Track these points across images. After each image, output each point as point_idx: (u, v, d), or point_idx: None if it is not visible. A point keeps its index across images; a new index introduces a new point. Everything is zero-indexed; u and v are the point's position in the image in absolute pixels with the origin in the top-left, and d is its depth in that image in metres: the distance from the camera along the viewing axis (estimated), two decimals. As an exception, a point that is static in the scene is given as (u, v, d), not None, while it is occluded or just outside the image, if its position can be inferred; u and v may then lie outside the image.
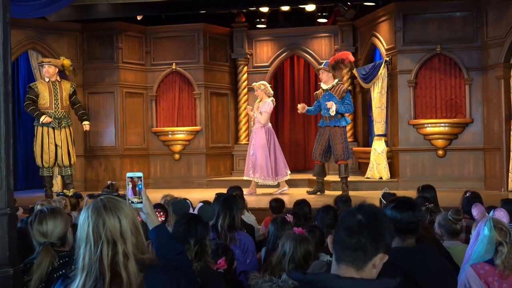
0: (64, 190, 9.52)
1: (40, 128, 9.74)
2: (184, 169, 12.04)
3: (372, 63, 10.98)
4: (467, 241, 4.36)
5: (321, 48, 12.30)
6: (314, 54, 12.28)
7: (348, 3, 11.24)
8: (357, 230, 2.02)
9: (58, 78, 9.97)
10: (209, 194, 8.51)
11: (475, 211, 4.48)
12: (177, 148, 11.98)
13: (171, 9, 10.01)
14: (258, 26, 12.45)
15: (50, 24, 10.79)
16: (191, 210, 3.97)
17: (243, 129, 12.50)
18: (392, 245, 3.02)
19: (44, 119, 9.62)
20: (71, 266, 3.03)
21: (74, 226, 2.94)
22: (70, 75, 10.33)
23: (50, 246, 3.21)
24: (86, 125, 10.19)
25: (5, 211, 3.47)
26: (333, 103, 9.30)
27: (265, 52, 12.61)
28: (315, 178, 9.99)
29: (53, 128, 9.73)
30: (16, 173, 11.40)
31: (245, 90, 12.49)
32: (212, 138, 12.16)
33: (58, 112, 9.79)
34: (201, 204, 3.94)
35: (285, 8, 11.83)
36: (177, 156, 11.99)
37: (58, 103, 9.81)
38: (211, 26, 12.19)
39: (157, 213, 4.51)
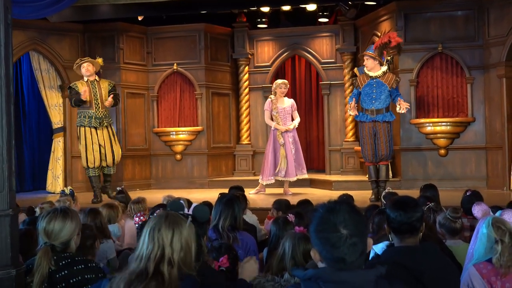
0: (65, 188, 9.47)
1: (82, 129, 9.64)
2: (186, 170, 12.05)
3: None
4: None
5: (322, 48, 12.30)
6: (315, 54, 12.27)
7: (349, 2, 11.23)
8: (354, 248, 2.06)
9: (96, 77, 9.85)
10: (211, 195, 8.54)
11: (476, 209, 4.49)
12: (179, 148, 11.98)
13: (172, 10, 10.01)
14: (259, 26, 12.46)
15: (51, 25, 10.79)
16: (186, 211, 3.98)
17: (244, 129, 12.50)
18: (394, 244, 3.06)
19: (82, 93, 9.39)
20: (73, 268, 3.07)
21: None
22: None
23: (50, 248, 3.21)
24: (109, 100, 9.66)
25: (8, 212, 3.47)
26: (402, 101, 8.46)
27: (266, 52, 12.61)
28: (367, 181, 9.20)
29: (95, 128, 9.62)
30: (23, 174, 11.44)
31: (247, 90, 12.49)
32: (214, 138, 12.16)
33: (99, 111, 9.62)
34: (195, 204, 3.94)
35: (286, 8, 11.82)
36: (178, 156, 12.00)
37: (99, 103, 9.65)
38: (212, 26, 12.19)
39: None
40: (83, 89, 9.48)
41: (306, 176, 10.27)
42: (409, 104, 8.69)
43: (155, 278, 2.45)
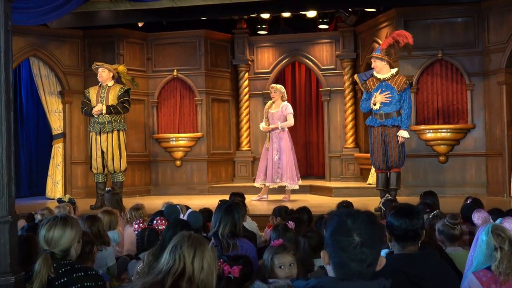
0: (63, 196, 9.39)
1: (90, 134, 9.65)
2: (186, 176, 12.03)
3: (373, 69, 10.95)
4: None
5: (322, 54, 12.31)
6: (315, 60, 12.28)
7: (349, 9, 11.25)
8: (362, 257, 2.05)
9: (110, 83, 9.68)
10: (211, 201, 8.53)
11: (476, 216, 4.48)
12: (179, 154, 11.97)
13: (172, 16, 10.02)
14: (259, 32, 12.47)
15: (51, 31, 10.81)
16: (181, 216, 3.98)
17: (244, 135, 12.50)
18: (394, 252, 3.05)
19: (95, 110, 9.42)
20: (72, 275, 3.05)
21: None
22: (127, 83, 9.93)
23: (50, 255, 3.20)
24: (100, 107, 9.48)
25: (7, 219, 3.47)
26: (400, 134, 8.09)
27: (266, 58, 12.62)
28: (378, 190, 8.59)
29: (100, 134, 9.49)
30: (20, 180, 11.40)
31: (247, 96, 12.50)
32: (214, 144, 12.16)
33: (102, 117, 9.47)
34: (190, 210, 3.95)
35: (286, 14, 11.84)
36: (178, 162, 11.99)
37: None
38: (212, 33, 12.20)
39: (159, 221, 4.53)
40: (97, 109, 9.45)
41: (290, 186, 9.91)
42: (405, 138, 8.20)
43: None
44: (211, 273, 2.55)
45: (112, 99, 9.55)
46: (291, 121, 10.06)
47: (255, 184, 10.26)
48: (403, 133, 8.12)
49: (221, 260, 3.41)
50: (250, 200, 9.46)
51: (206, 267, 2.53)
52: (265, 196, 10.07)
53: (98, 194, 9.58)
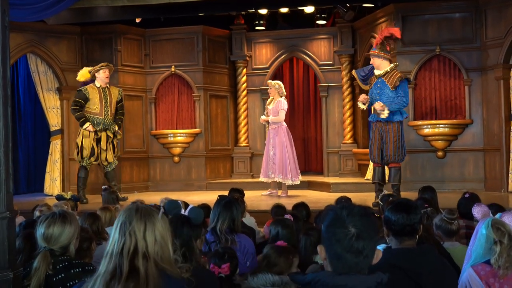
0: (62, 192, 9.41)
1: (87, 124, 9.70)
2: (184, 172, 12.03)
3: (371, 65, 10.94)
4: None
5: (320, 50, 12.30)
6: (313, 56, 12.28)
7: (347, 4, 11.24)
8: (358, 248, 2.05)
9: (108, 84, 9.91)
10: (209, 197, 8.53)
11: (476, 210, 4.49)
12: (177, 150, 11.97)
13: (170, 12, 10.01)
14: (257, 28, 12.46)
15: (49, 28, 10.79)
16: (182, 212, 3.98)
17: (242, 131, 12.50)
18: (392, 247, 3.06)
19: (87, 126, 9.58)
20: (70, 271, 3.04)
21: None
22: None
23: (49, 252, 3.20)
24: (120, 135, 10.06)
25: (5, 215, 3.47)
26: (383, 105, 8.12)
27: (264, 54, 12.61)
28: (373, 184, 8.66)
29: (100, 131, 9.70)
30: (17, 177, 11.39)
31: (245, 92, 12.50)
32: (212, 140, 12.16)
33: (108, 119, 9.74)
34: (191, 206, 3.95)
35: (284, 10, 11.83)
36: (176, 158, 11.98)
37: (108, 110, 9.75)
38: (210, 29, 12.19)
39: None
40: (89, 127, 9.62)
41: (283, 181, 9.96)
42: (385, 112, 8.15)
43: (132, 277, 2.26)
44: (165, 243, 2.37)
45: (113, 103, 9.81)
46: (280, 116, 10.00)
47: (260, 179, 10.34)
48: (386, 112, 8.12)
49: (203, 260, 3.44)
50: (261, 194, 9.90)
51: (159, 238, 2.36)
52: (274, 191, 10.13)
53: (80, 189, 9.75)
